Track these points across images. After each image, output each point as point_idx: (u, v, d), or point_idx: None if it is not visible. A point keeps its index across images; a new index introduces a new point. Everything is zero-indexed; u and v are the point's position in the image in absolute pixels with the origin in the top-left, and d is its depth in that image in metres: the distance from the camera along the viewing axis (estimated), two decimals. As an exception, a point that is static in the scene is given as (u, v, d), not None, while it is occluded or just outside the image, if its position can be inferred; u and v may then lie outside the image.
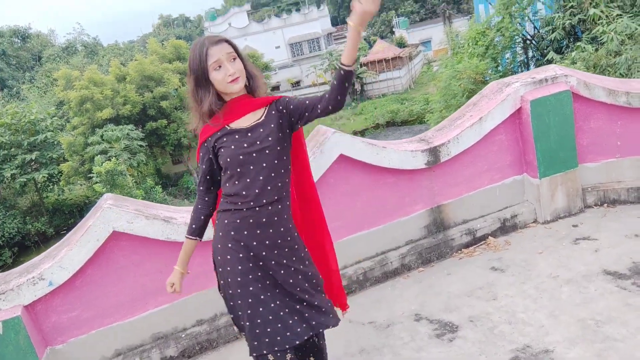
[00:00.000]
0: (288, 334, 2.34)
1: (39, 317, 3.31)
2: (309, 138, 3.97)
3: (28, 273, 3.30)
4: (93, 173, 27.06)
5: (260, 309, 2.33)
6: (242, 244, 2.32)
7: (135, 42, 79.57)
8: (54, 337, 3.36)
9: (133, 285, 3.51)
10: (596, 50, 9.33)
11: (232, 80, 2.24)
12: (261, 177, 2.28)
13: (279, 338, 2.33)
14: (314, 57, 50.46)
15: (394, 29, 61.94)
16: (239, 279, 2.31)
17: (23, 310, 3.18)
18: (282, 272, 2.35)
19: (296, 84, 49.08)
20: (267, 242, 2.33)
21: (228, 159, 2.28)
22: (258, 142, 2.29)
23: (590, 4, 9.83)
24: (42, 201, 32.11)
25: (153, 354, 3.51)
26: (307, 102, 2.32)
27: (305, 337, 2.38)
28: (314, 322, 2.40)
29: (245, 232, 2.31)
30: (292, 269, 2.38)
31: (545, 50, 12.12)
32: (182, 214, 3.72)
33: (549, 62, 10.38)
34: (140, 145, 31.03)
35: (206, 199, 2.46)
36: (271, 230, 2.34)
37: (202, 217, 2.47)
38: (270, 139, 2.30)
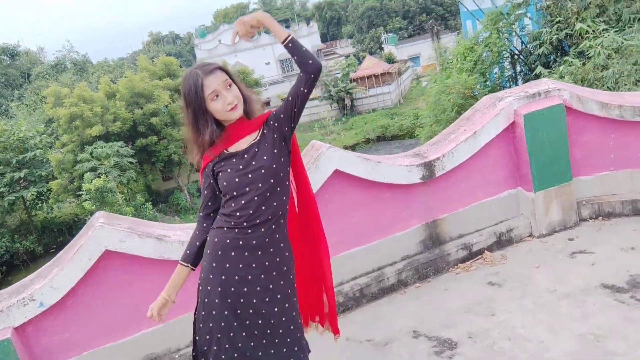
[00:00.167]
0: None
1: (30, 339, 3.23)
2: (304, 153, 3.94)
3: (18, 294, 3.22)
4: (82, 190, 26.76)
5: (227, 346, 2.29)
6: (227, 265, 2.28)
7: (125, 59, 79.56)
8: (44, 359, 3.28)
9: (125, 305, 3.44)
10: (583, 64, 9.43)
11: (231, 108, 2.22)
12: (256, 197, 2.25)
13: None
14: (304, 73, 50.59)
15: (382, 45, 62.38)
16: (216, 300, 2.28)
17: (13, 332, 3.10)
18: (267, 299, 2.31)
19: (286, 100, 49.15)
20: (253, 265, 2.29)
21: (225, 183, 2.27)
22: (253, 163, 2.27)
23: (577, 18, 9.96)
24: (30, 219, 31.72)
25: (146, 376, 3.43)
26: (289, 95, 2.32)
27: None
28: None
29: (233, 254, 2.28)
30: (278, 297, 2.33)
31: (533, 65, 12.22)
32: (176, 231, 3.67)
33: (537, 76, 10.47)
34: (130, 162, 30.81)
35: (204, 225, 2.43)
36: (260, 253, 2.30)
37: (198, 244, 2.42)
38: (265, 157, 2.28)
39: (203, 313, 2.33)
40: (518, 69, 14.23)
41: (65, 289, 3.19)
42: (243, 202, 2.25)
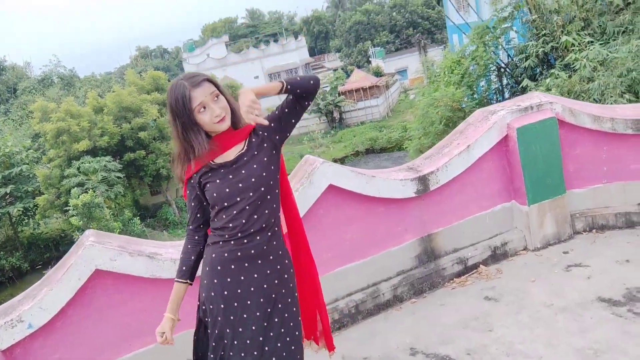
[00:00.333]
0: None
1: (17, 362, 3.14)
2: (297, 168, 3.92)
3: (6, 315, 3.13)
4: (69, 206, 26.48)
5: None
6: (228, 280, 2.24)
7: (112, 73, 79.33)
8: (33, 382, 3.18)
9: (117, 326, 3.36)
10: (570, 76, 9.52)
11: (219, 120, 2.19)
12: (248, 207, 2.22)
13: None
14: (293, 87, 50.78)
15: (370, 59, 62.85)
16: (219, 318, 2.24)
17: (1, 356, 3.01)
18: (269, 310, 2.26)
19: (275, 113, 49.23)
20: (255, 275, 2.25)
21: (214, 194, 2.23)
22: (243, 172, 2.24)
23: (562, 32, 10.08)
24: (17, 235, 31.28)
25: (138, 398, 3.35)
26: (285, 106, 2.31)
27: None
28: None
29: (233, 267, 2.24)
30: (280, 307, 2.28)
31: (519, 78, 12.33)
32: (168, 249, 3.60)
33: (524, 89, 10.55)
34: (118, 177, 30.59)
35: (196, 237, 2.38)
36: (260, 262, 2.26)
37: (193, 258, 2.37)
38: (255, 166, 2.25)
39: (209, 331, 2.28)
40: (505, 81, 14.37)
41: (54, 309, 3.11)
42: (235, 212, 2.22)
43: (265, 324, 2.23)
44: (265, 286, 2.26)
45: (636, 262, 3.78)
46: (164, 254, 3.46)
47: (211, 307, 2.26)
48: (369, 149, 38.60)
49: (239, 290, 2.23)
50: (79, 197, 25.88)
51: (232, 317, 2.23)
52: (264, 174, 2.25)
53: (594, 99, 8.64)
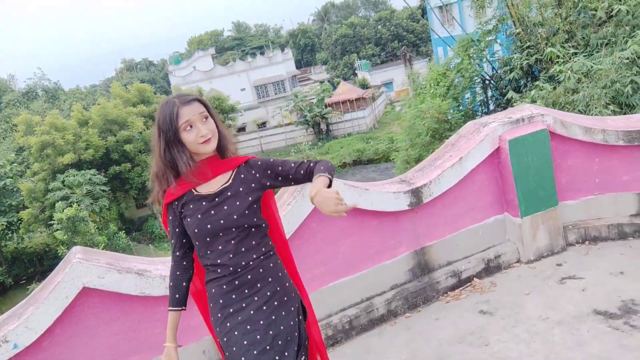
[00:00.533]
0: None
1: (1, 384, 3.03)
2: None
3: (-11, 336, 3.02)
4: (54, 220, 26.15)
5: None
6: (231, 310, 2.18)
7: (97, 86, 78.84)
8: (17, 405, 3.07)
9: (105, 345, 3.26)
10: (554, 88, 9.61)
11: (204, 141, 2.13)
12: (233, 242, 2.16)
13: None
14: (280, 99, 50.89)
15: (356, 71, 63.16)
16: (234, 349, 2.16)
17: (-17, 378, 2.90)
18: (282, 328, 2.19)
19: (262, 125, 49.22)
20: (256, 298, 2.19)
21: (195, 230, 2.16)
22: (225, 207, 2.16)
23: (546, 44, 10.19)
24: (0, 250, 30.76)
25: (127, 420, 3.24)
26: (288, 171, 2.24)
27: None
28: None
29: (234, 296, 2.18)
30: (284, 328, 2.21)
31: (504, 90, 12.45)
32: (157, 265, 3.52)
33: (509, 101, 10.65)
34: (103, 190, 30.29)
35: (184, 263, 2.30)
36: (259, 285, 2.20)
37: (184, 284, 2.30)
38: (238, 203, 2.17)
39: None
40: (489, 93, 14.49)
41: (41, 329, 3.00)
42: (220, 247, 2.17)
43: (267, 347, 2.16)
44: (264, 308, 2.19)
45: (630, 274, 3.76)
46: (153, 270, 3.38)
47: (225, 339, 2.19)
48: (356, 160, 38.66)
49: (239, 318, 2.17)
50: (63, 211, 25.59)
51: (245, 342, 2.15)
52: (247, 211, 2.18)
53: (579, 110, 8.71)
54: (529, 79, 11.79)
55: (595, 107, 8.50)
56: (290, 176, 2.25)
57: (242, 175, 2.23)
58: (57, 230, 26.08)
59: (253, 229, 2.21)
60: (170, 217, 2.25)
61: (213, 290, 2.22)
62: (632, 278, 3.72)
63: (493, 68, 13.95)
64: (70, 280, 3.08)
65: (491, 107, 14.25)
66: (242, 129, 47.58)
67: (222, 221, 2.14)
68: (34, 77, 58.08)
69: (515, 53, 11.66)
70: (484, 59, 13.81)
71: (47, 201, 28.67)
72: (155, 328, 3.37)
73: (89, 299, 3.19)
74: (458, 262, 4.21)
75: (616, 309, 3.41)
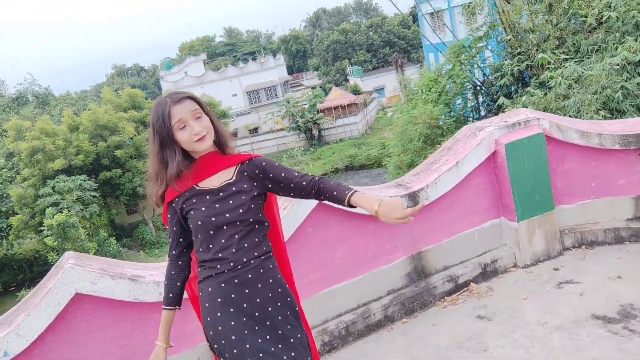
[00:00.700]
0: None
1: (-10, 393, 2.95)
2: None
3: (-21, 344, 2.95)
4: (44, 226, 25.88)
5: None
6: (231, 310, 2.11)
7: (87, 91, 78.44)
8: (7, 415, 3.00)
9: (98, 352, 3.19)
10: (545, 94, 9.66)
11: (198, 139, 2.11)
12: (236, 236, 2.13)
13: None
14: (271, 104, 50.85)
15: (348, 77, 63.28)
16: (235, 351, 2.09)
17: (-28, 387, 2.83)
18: (279, 332, 2.14)
19: (254, 131, 49.13)
20: (257, 299, 2.14)
21: (199, 222, 2.12)
22: (231, 202, 2.14)
23: (537, 50, 10.25)
24: (-11, 257, 30.43)
25: None
26: (290, 180, 2.21)
27: None
28: None
29: (233, 295, 2.12)
30: (289, 327, 2.17)
31: (495, 96, 12.50)
32: (150, 271, 3.46)
33: (500, 107, 10.68)
34: (93, 196, 30.02)
35: (180, 262, 2.28)
36: (260, 285, 2.15)
37: (179, 284, 2.28)
38: (243, 197, 2.16)
39: None
40: (481, 99, 14.55)
41: (32, 336, 2.94)
42: (223, 241, 2.12)
43: (280, 346, 2.11)
44: (269, 309, 2.15)
45: (628, 278, 3.75)
46: (146, 276, 3.33)
47: (223, 342, 2.11)
48: (348, 165, 38.64)
49: (244, 319, 2.11)
50: (53, 217, 25.36)
51: (247, 346, 2.09)
52: (252, 205, 2.17)
53: (570, 116, 8.75)
54: (520, 85, 11.85)
55: (586, 113, 8.54)
56: (292, 185, 2.21)
57: (245, 173, 2.21)
58: (47, 236, 25.83)
59: (257, 226, 2.18)
60: (169, 216, 2.23)
61: (210, 290, 2.15)
62: (629, 282, 3.70)
63: (484, 74, 14.01)
64: (62, 286, 3.02)
65: (482, 112, 14.31)
66: (234, 135, 47.43)
67: (227, 214, 2.11)
68: (24, 83, 57.69)
69: (506, 59, 11.72)
70: (475, 65, 13.87)
71: (37, 207, 28.39)
72: (149, 335, 3.30)
73: (81, 305, 3.13)
74: (455, 266, 4.18)
75: (615, 314, 3.39)
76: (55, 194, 28.31)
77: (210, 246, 2.13)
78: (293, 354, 2.12)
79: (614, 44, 8.56)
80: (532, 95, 9.75)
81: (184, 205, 2.16)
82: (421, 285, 4.03)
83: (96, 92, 64.95)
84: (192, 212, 2.14)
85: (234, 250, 2.11)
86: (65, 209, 26.66)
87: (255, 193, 2.19)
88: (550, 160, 4.19)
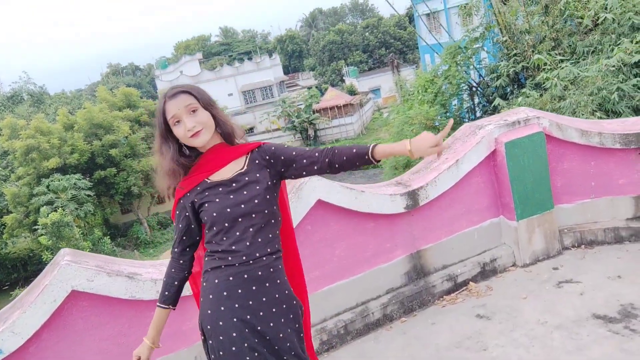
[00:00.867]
0: None
1: (-16, 391, 2.90)
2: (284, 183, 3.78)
3: (-27, 341, 2.90)
4: (38, 225, 25.78)
5: None
6: (236, 305, 2.06)
7: (83, 90, 78.16)
8: (1, 414, 2.95)
9: (94, 350, 3.15)
10: (541, 95, 9.67)
11: (192, 135, 2.07)
12: (251, 229, 2.08)
13: None
14: (267, 104, 50.82)
15: (344, 78, 63.32)
16: (233, 349, 2.04)
17: (-34, 386, 2.78)
18: (280, 335, 2.10)
19: (250, 130, 49.08)
20: (264, 298, 2.09)
21: (214, 214, 2.07)
22: (245, 192, 2.09)
23: (533, 52, 10.26)
24: (-18, 256, 30.26)
25: None
26: (302, 156, 2.17)
27: None
28: None
29: (240, 291, 2.07)
30: (289, 331, 2.13)
31: (491, 97, 12.51)
32: (148, 269, 3.42)
33: (495, 108, 10.70)
34: (88, 195, 29.91)
35: (181, 261, 2.23)
36: (268, 284, 2.10)
37: (176, 283, 2.23)
38: (257, 187, 2.11)
39: None
40: (476, 100, 14.58)
41: (27, 333, 2.89)
42: (237, 234, 2.07)
43: (277, 348, 2.08)
44: (274, 310, 2.10)
45: (628, 278, 3.74)
46: (144, 274, 3.29)
47: (221, 338, 2.05)
48: (344, 166, 38.63)
49: (248, 317, 2.06)
50: (48, 216, 25.26)
51: (245, 344, 2.04)
52: (267, 196, 2.12)
53: (567, 117, 8.75)
54: (516, 86, 11.87)
55: (582, 114, 8.54)
56: (305, 160, 2.16)
57: (257, 161, 2.17)
58: (42, 235, 25.74)
59: (272, 220, 2.14)
60: (177, 212, 2.19)
61: (216, 281, 2.09)
62: (630, 282, 3.69)
63: (480, 75, 14.04)
64: (58, 283, 2.97)
65: (478, 114, 14.34)
66: (229, 134, 47.31)
67: (242, 206, 2.07)
68: (19, 81, 57.54)
69: (502, 60, 11.73)
70: (471, 66, 13.90)
71: (32, 206, 28.27)
72: (145, 333, 3.25)
73: (77, 303, 3.08)
74: (454, 265, 4.16)
75: (616, 313, 3.37)
76: (50, 193, 28.19)
77: (224, 238, 2.08)
78: (285, 357, 2.08)
79: (609, 46, 8.57)
80: (527, 97, 9.76)
81: (196, 200, 2.12)
82: (420, 284, 4.01)
83: (91, 91, 64.76)
84: (205, 205, 2.09)
85: (248, 243, 2.07)
86: (60, 208, 26.56)
87: (269, 183, 2.14)
88: (550, 159, 4.17)
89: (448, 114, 15.10)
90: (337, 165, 2.15)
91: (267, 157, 2.18)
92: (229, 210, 2.06)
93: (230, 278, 2.07)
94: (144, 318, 3.27)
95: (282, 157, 2.18)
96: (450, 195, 4.10)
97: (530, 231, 4.18)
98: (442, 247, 4.13)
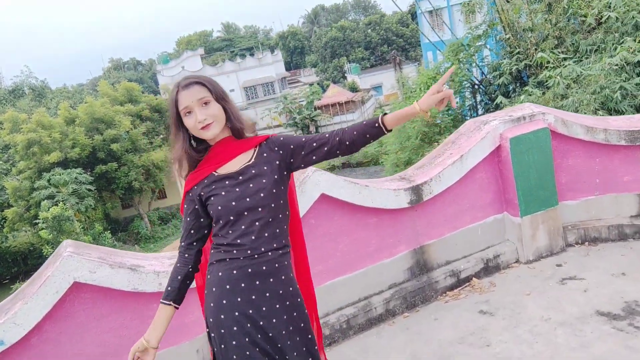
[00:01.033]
0: None
1: (-14, 382, 2.90)
2: (287, 177, 3.77)
3: (-26, 332, 2.89)
4: (39, 219, 25.78)
5: None
6: (239, 299, 2.04)
7: (84, 85, 78.14)
8: (2, 405, 2.94)
9: (95, 342, 3.13)
10: (543, 93, 9.64)
11: (202, 127, 2.05)
12: (257, 223, 2.05)
13: None
14: (269, 100, 50.78)
15: (346, 74, 63.26)
16: (234, 342, 2.02)
17: (-33, 376, 2.77)
18: (283, 332, 2.07)
19: (251, 127, 49.06)
20: (267, 294, 2.06)
21: (219, 207, 2.05)
22: (251, 185, 2.07)
23: (536, 50, 10.23)
24: (-17, 249, 30.28)
25: (117, 420, 3.12)
26: (312, 140, 2.15)
27: None
28: None
29: (243, 285, 2.04)
30: (291, 329, 2.10)
31: (493, 95, 12.48)
32: (150, 261, 3.41)
33: (498, 106, 10.66)
34: (89, 189, 29.90)
35: (186, 255, 2.16)
36: (272, 280, 2.07)
37: (179, 278, 2.13)
38: (264, 181, 2.08)
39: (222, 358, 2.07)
40: (478, 98, 14.54)
41: (29, 325, 2.87)
42: (243, 227, 2.05)
43: (279, 345, 2.06)
44: (277, 306, 2.07)
45: (632, 275, 3.72)
46: (146, 266, 3.27)
47: (222, 331, 2.04)
48: (345, 163, 38.64)
49: (250, 311, 2.04)
50: (48, 210, 25.26)
51: (247, 339, 2.02)
52: (274, 190, 2.10)
53: (569, 116, 8.72)
54: (518, 84, 11.83)
55: (585, 113, 8.51)
56: (314, 144, 2.13)
57: (265, 154, 2.15)
58: (42, 229, 25.74)
59: (280, 215, 2.11)
60: (185, 206, 2.16)
61: (220, 274, 2.07)
62: (634, 279, 3.67)
63: (482, 73, 14.01)
64: (60, 275, 2.95)
65: (480, 112, 14.31)
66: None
67: (248, 199, 2.05)
68: (21, 75, 57.52)
69: (505, 58, 11.69)
70: (474, 64, 13.86)
71: (33, 200, 28.26)
72: (147, 326, 3.21)
73: (79, 295, 3.07)
74: (457, 261, 4.14)
75: (620, 310, 3.36)
76: (51, 187, 28.19)
77: (230, 231, 2.06)
78: (287, 357, 2.06)
79: (613, 44, 8.54)
80: (530, 95, 9.73)
81: (203, 193, 2.10)
82: (423, 279, 3.99)
83: (93, 86, 64.72)
84: (212, 198, 2.07)
85: (253, 237, 2.05)
86: (61, 202, 26.57)
87: (276, 176, 2.12)
88: (554, 155, 4.15)
89: (450, 112, 15.08)
90: (347, 142, 2.10)
91: (276, 149, 2.16)
92: (234, 203, 2.04)
93: (234, 271, 2.05)
94: (146, 311, 3.25)
95: (292, 146, 2.16)
96: (454, 190, 4.08)
97: (534, 228, 4.16)
98: (446, 243, 4.11)
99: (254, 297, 2.05)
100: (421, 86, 16.63)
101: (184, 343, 3.32)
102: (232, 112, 2.14)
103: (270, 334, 2.04)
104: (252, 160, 2.13)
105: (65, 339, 3.05)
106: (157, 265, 3.31)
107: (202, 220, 2.15)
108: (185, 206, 2.17)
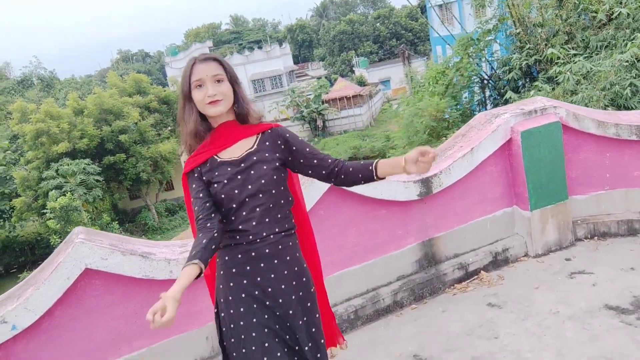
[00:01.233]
0: None
1: (-2, 365, 2.93)
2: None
3: (-13, 316, 2.93)
4: (47, 209, 25.94)
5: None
6: (245, 282, 2.08)
7: (92, 76, 78.35)
8: (14, 388, 2.98)
9: (106, 328, 3.17)
10: (553, 89, 9.58)
11: (210, 102, 2.05)
12: (258, 209, 2.07)
13: None
14: (276, 94, 50.71)
15: (354, 68, 63.07)
16: (241, 323, 2.06)
17: (-20, 359, 2.81)
18: (290, 312, 2.11)
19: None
20: (272, 275, 2.10)
21: (222, 195, 2.06)
22: (252, 172, 2.08)
23: (546, 45, 10.17)
24: (-9, 238, 30.52)
25: (127, 406, 3.16)
26: (314, 156, 2.17)
27: None
28: None
29: (248, 267, 2.08)
30: (298, 309, 2.13)
31: (502, 90, 12.42)
32: (161, 248, 3.44)
33: (507, 101, 10.62)
34: (97, 180, 30.02)
35: (208, 224, 2.00)
36: (276, 261, 2.10)
37: (205, 241, 1.95)
38: (265, 167, 2.10)
39: (232, 340, 2.10)
40: (487, 93, 14.47)
41: (41, 310, 2.91)
42: (244, 214, 2.07)
43: (288, 324, 2.09)
44: (283, 287, 2.11)
45: (641, 270, 3.71)
46: (157, 253, 3.30)
47: (231, 312, 2.09)
48: (352, 157, 38.59)
49: (256, 292, 2.08)
50: (56, 200, 25.40)
51: (254, 320, 2.07)
52: (275, 177, 2.11)
53: (578, 112, 8.67)
54: (528, 80, 11.76)
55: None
56: (315, 161, 2.17)
57: (267, 143, 2.15)
58: (50, 219, 25.90)
59: (281, 200, 2.13)
60: (194, 184, 2.11)
61: (226, 258, 2.11)
62: (643, 274, 3.66)
63: (492, 68, 13.93)
64: (72, 261, 2.99)
65: (489, 107, 14.23)
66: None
67: (250, 186, 2.06)
68: (30, 66, 57.73)
69: (515, 53, 11.63)
70: (483, 59, 13.78)
71: (41, 190, 28.41)
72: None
73: (91, 281, 3.10)
74: (465, 254, 4.15)
75: (628, 305, 3.35)
76: (59, 177, 28.33)
77: (233, 218, 2.08)
78: (298, 336, 2.10)
79: (623, 41, 8.47)
80: (540, 90, 9.67)
81: (204, 177, 2.11)
82: (431, 271, 4.00)
83: (101, 77, 64.90)
84: (215, 185, 2.08)
85: (254, 223, 2.06)
86: (69, 192, 26.70)
87: (278, 164, 2.13)
88: (565, 149, 4.13)
89: (458, 107, 15.03)
90: (342, 176, 2.17)
91: (279, 142, 2.17)
92: (236, 191, 2.06)
93: (239, 255, 2.08)
94: (157, 298, 3.25)
95: (294, 148, 2.17)
96: (464, 183, 4.08)
97: (544, 222, 4.16)
98: (455, 236, 4.12)
99: (259, 279, 2.08)
100: (430, 80, 16.59)
101: (193, 330, 3.35)
102: (242, 96, 2.17)
103: (278, 313, 2.09)
104: (255, 146, 2.14)
105: (77, 325, 3.09)
106: (168, 253, 3.33)
107: (210, 188, 2.11)
108: (193, 185, 2.10)
